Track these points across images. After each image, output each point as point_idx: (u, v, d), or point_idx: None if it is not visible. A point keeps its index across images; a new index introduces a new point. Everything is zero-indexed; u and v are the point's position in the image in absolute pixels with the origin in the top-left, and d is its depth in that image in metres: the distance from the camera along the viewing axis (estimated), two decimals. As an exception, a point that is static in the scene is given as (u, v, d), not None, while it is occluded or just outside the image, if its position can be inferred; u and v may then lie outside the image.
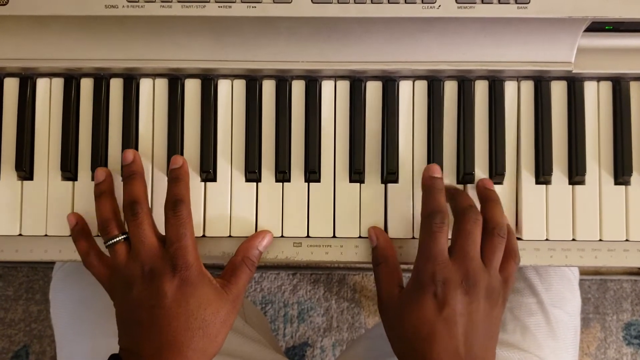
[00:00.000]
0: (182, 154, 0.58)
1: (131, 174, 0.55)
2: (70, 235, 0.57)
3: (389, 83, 0.58)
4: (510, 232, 0.56)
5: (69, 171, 0.58)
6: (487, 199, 0.56)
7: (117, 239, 0.53)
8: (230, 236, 0.58)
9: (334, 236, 0.58)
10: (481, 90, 0.59)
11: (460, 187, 0.58)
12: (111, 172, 0.57)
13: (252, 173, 0.58)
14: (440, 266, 0.51)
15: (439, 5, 0.54)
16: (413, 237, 0.58)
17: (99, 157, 0.58)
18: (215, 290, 0.52)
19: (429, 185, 0.55)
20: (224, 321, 0.52)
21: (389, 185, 0.58)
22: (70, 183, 0.58)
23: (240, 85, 0.59)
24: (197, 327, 0.51)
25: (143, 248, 0.52)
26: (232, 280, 0.54)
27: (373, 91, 0.59)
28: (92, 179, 0.58)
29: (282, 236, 0.58)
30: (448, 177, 0.58)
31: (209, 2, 0.54)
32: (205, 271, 0.53)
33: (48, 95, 0.59)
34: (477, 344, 0.50)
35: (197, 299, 0.51)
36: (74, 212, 0.57)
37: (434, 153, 0.58)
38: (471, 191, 0.58)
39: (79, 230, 0.56)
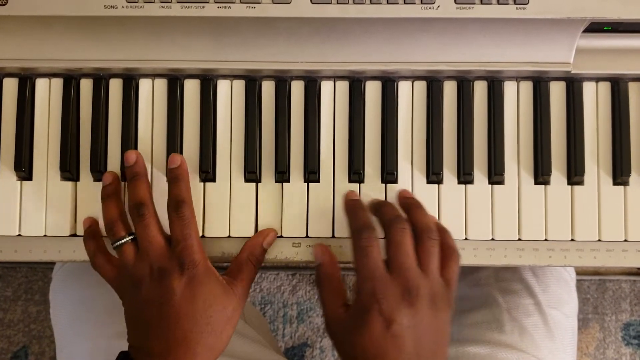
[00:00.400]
0: (181, 154, 0.58)
1: (134, 175, 0.56)
2: (69, 236, 0.58)
3: (388, 83, 0.59)
4: (443, 231, 0.55)
5: (68, 171, 0.58)
6: (409, 206, 0.55)
7: (125, 239, 0.54)
8: (229, 236, 0.58)
9: (333, 236, 0.58)
10: (480, 90, 0.59)
11: (461, 187, 0.58)
12: (118, 176, 0.57)
13: (252, 173, 0.58)
14: (380, 282, 0.50)
15: (438, 6, 0.54)
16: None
17: (98, 158, 0.58)
18: (222, 287, 0.53)
19: (350, 205, 0.55)
20: (230, 317, 0.53)
21: (388, 185, 0.58)
22: (69, 183, 0.58)
23: (239, 85, 0.59)
24: (205, 323, 0.51)
25: (151, 248, 0.53)
26: (238, 277, 0.55)
27: (372, 91, 0.59)
28: (93, 179, 0.58)
29: (281, 236, 0.58)
30: (447, 177, 0.58)
31: (208, 2, 0.54)
32: (212, 268, 0.54)
33: (47, 96, 0.59)
34: (427, 353, 0.50)
35: (205, 295, 0.52)
36: (90, 216, 0.58)
37: (433, 153, 0.58)
38: (472, 191, 0.58)
39: (90, 232, 0.57)
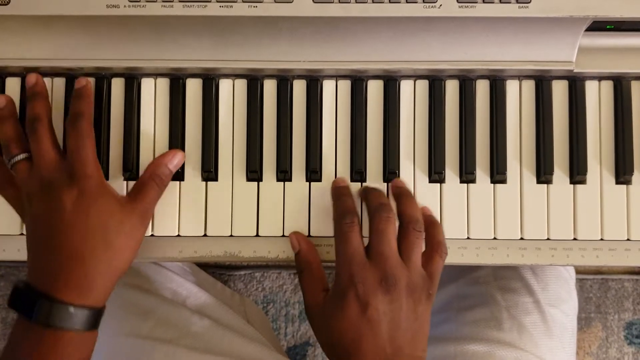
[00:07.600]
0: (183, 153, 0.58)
1: (33, 94, 0.56)
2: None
3: (390, 82, 0.59)
4: (433, 224, 0.55)
5: (70, 171, 0.58)
6: (400, 194, 0.56)
7: (18, 157, 0.53)
8: (231, 235, 0.58)
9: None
10: (482, 89, 0.59)
11: (463, 186, 0.58)
12: (13, 100, 0.57)
13: (254, 172, 0.58)
14: (358, 267, 0.51)
15: (440, 5, 0.54)
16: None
17: (101, 157, 0.58)
18: (118, 202, 0.52)
19: (336, 192, 0.56)
20: (129, 234, 0.52)
21: (390, 184, 0.58)
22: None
23: (241, 84, 0.59)
24: (99, 237, 0.50)
25: (42, 162, 0.52)
26: (138, 196, 0.53)
27: (374, 91, 0.59)
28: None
29: (283, 235, 0.58)
30: (449, 177, 0.58)
31: (210, 1, 0.54)
32: (107, 184, 0.53)
33: (49, 95, 0.59)
34: (404, 342, 0.50)
35: (97, 209, 0.51)
36: None
37: (435, 153, 0.58)
38: (474, 190, 0.58)
39: None
